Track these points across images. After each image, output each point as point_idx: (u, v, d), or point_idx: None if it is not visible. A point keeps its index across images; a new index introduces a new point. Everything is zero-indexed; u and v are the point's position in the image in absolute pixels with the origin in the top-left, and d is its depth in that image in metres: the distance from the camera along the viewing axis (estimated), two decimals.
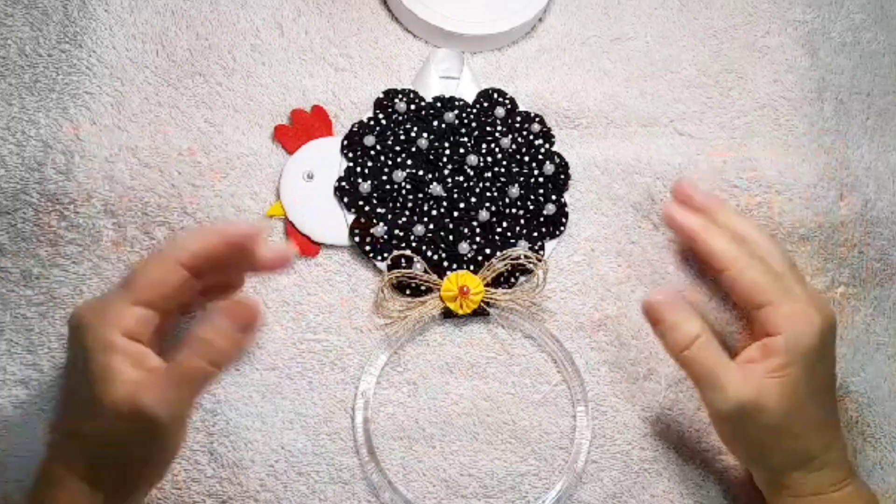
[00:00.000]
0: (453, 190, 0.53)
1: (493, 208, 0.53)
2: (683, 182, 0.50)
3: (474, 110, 0.55)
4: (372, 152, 0.54)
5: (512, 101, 0.56)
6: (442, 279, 0.52)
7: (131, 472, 0.42)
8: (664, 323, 0.45)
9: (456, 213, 0.53)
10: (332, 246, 0.53)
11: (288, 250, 0.45)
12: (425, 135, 0.54)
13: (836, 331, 0.47)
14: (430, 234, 0.53)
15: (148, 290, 0.41)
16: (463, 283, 0.51)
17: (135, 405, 0.39)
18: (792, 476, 0.46)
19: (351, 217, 0.53)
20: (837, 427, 0.47)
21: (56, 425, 0.46)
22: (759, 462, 0.47)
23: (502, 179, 0.54)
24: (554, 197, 0.54)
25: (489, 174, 0.54)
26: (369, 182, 0.53)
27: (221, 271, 0.45)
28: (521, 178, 0.54)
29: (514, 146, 0.55)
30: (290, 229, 0.53)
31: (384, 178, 0.53)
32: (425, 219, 0.53)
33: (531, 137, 0.55)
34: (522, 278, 0.53)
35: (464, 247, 0.52)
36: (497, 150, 0.54)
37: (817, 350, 0.45)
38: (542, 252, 0.53)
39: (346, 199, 0.53)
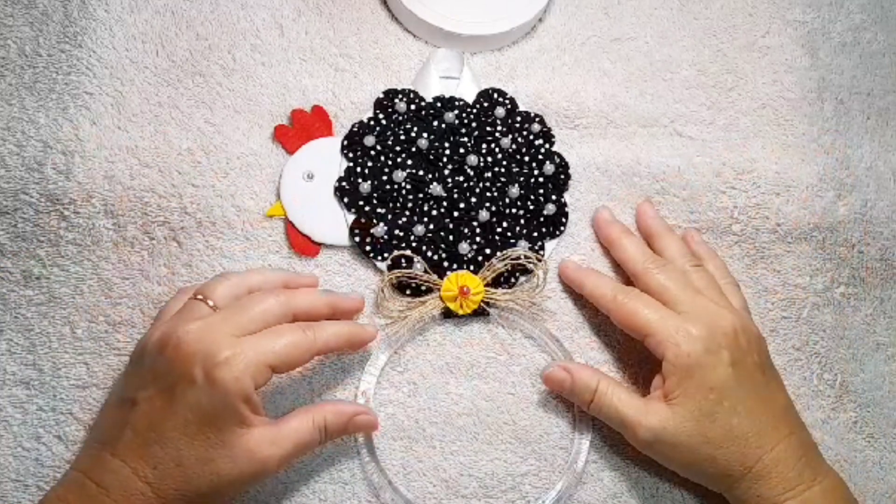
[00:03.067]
0: (453, 190, 0.53)
1: (493, 208, 0.53)
2: (645, 205, 0.55)
3: (474, 110, 0.55)
4: (372, 152, 0.54)
5: (512, 101, 0.56)
6: (442, 279, 0.52)
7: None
8: (567, 391, 0.49)
9: (456, 213, 0.53)
10: (332, 246, 0.53)
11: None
12: (425, 135, 0.54)
13: (734, 335, 0.47)
14: (430, 234, 0.52)
15: (284, 366, 0.44)
16: (463, 283, 0.51)
17: (262, 458, 0.42)
18: (739, 488, 0.46)
19: (351, 217, 0.53)
20: (779, 429, 0.46)
21: (132, 452, 0.43)
22: (702, 481, 0.48)
23: (502, 179, 0.54)
24: (554, 197, 0.54)
25: (489, 174, 0.54)
26: (369, 182, 0.53)
27: None
28: (521, 178, 0.54)
29: (514, 146, 0.55)
30: (290, 229, 0.53)
31: (384, 178, 0.53)
32: (425, 219, 0.53)
33: (531, 137, 0.55)
34: (522, 278, 0.53)
35: (464, 247, 0.52)
36: (497, 150, 0.54)
37: (704, 363, 0.45)
38: (542, 252, 0.53)
39: (346, 199, 0.53)
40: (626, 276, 0.52)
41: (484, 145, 0.55)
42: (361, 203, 0.53)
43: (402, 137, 0.54)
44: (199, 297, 0.45)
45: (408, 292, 0.52)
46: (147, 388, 0.43)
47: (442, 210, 0.53)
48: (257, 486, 0.48)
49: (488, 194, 0.54)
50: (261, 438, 0.42)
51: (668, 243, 0.52)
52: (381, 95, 0.55)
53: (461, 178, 0.54)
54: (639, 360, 0.52)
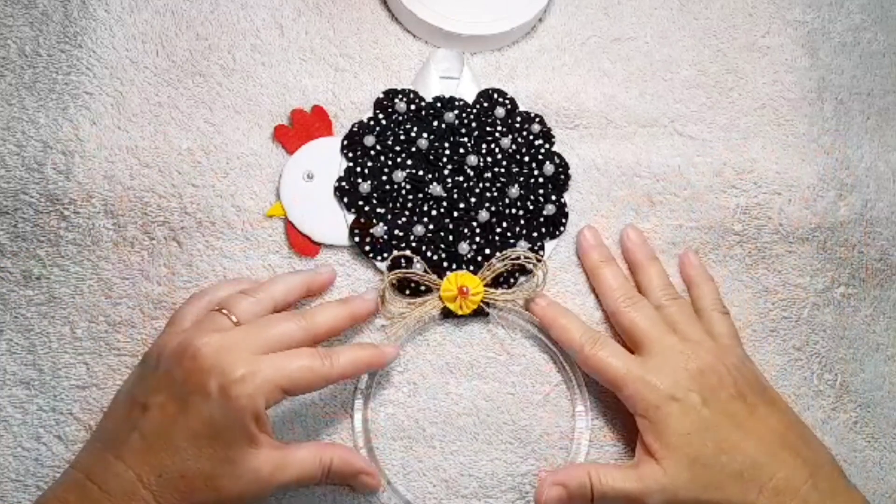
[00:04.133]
0: (453, 190, 0.53)
1: (493, 208, 0.53)
2: (630, 230, 0.54)
3: (474, 110, 0.55)
4: (372, 152, 0.54)
5: (512, 101, 0.56)
6: (442, 279, 0.52)
7: None
8: (568, 501, 0.46)
9: (456, 214, 0.53)
10: (332, 246, 0.53)
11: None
12: (425, 135, 0.54)
13: (700, 375, 0.46)
14: (430, 235, 0.52)
15: (297, 390, 0.44)
16: (462, 284, 0.51)
17: (265, 480, 0.42)
18: None
19: (351, 217, 0.53)
20: (777, 456, 0.45)
21: (138, 457, 0.42)
22: None
23: (502, 180, 0.54)
24: (554, 197, 0.54)
25: (489, 174, 0.54)
26: (369, 182, 0.53)
27: None
28: (521, 179, 0.54)
29: (514, 146, 0.55)
30: (290, 229, 0.53)
31: (384, 178, 0.53)
32: (425, 219, 0.53)
33: (531, 138, 0.55)
34: (522, 278, 0.53)
35: (464, 247, 0.52)
36: (497, 150, 0.54)
37: (674, 412, 0.45)
38: (542, 252, 0.53)
39: (346, 199, 0.53)
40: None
41: (484, 145, 0.55)
42: (361, 203, 0.53)
43: (402, 137, 0.54)
44: (224, 311, 0.45)
45: (407, 292, 0.52)
46: (160, 394, 0.43)
47: (442, 210, 0.53)
48: None
49: (488, 194, 0.54)
50: (267, 461, 0.42)
51: (647, 275, 0.52)
52: (381, 95, 0.55)
53: (461, 179, 0.54)
54: None
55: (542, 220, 0.54)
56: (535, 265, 0.52)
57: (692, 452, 0.45)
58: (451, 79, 0.57)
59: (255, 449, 0.42)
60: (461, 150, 0.54)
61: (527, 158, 0.55)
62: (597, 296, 0.53)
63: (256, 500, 0.43)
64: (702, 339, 0.49)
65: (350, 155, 0.54)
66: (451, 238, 0.52)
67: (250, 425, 0.42)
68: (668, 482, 0.45)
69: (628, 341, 0.50)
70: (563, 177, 0.55)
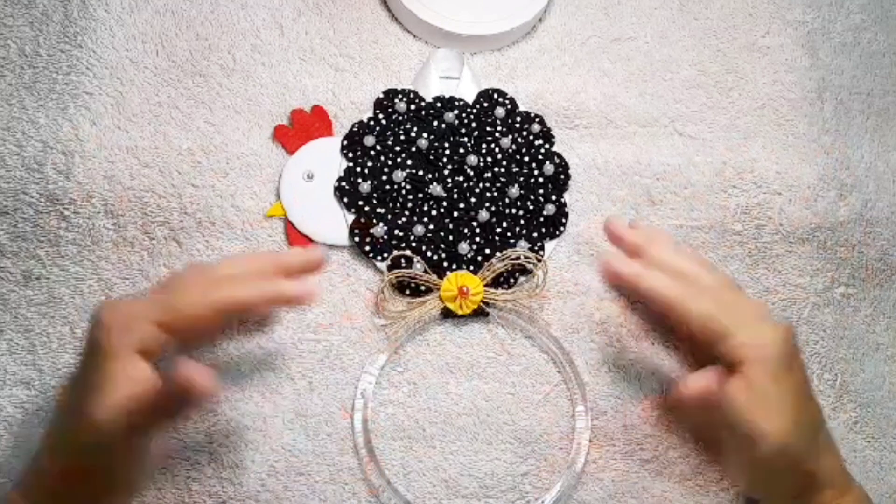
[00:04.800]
0: (453, 190, 0.53)
1: (493, 208, 0.53)
2: (611, 223, 0.49)
3: (474, 110, 0.55)
4: (372, 152, 0.54)
5: (512, 101, 0.56)
6: (442, 279, 0.52)
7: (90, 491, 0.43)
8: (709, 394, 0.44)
9: (456, 214, 0.53)
10: (332, 246, 0.53)
11: (310, 287, 0.45)
12: (425, 135, 0.54)
13: (794, 334, 0.45)
14: (430, 235, 0.52)
15: (178, 321, 0.42)
16: (463, 284, 0.51)
17: (98, 420, 0.40)
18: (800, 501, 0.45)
19: (351, 217, 0.53)
20: (823, 434, 0.46)
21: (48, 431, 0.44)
22: (778, 494, 0.46)
23: (502, 179, 0.54)
24: (554, 197, 0.54)
25: (489, 174, 0.54)
26: (369, 182, 0.53)
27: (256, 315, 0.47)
28: (521, 179, 0.54)
29: (514, 146, 0.55)
30: (290, 229, 0.53)
31: (384, 178, 0.53)
32: (425, 219, 0.53)
33: (531, 138, 0.55)
34: (522, 278, 0.53)
35: (464, 247, 0.52)
36: (497, 150, 0.54)
37: (785, 364, 0.44)
38: (542, 252, 0.53)
39: (346, 199, 0.53)
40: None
41: (484, 145, 0.55)
42: (361, 203, 0.53)
43: (402, 137, 0.54)
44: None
45: (407, 292, 0.52)
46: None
47: (442, 210, 0.53)
48: (256, 487, 0.48)
49: (488, 194, 0.54)
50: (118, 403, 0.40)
51: (664, 247, 0.48)
52: (381, 95, 0.55)
53: (461, 179, 0.54)
54: (638, 360, 0.52)
55: (542, 220, 0.54)
56: (535, 265, 0.52)
57: (797, 400, 0.44)
58: (451, 79, 0.57)
59: (108, 389, 0.40)
60: (461, 150, 0.54)
61: (527, 158, 0.55)
62: (597, 295, 0.53)
63: (99, 434, 0.40)
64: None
65: (350, 155, 0.54)
66: (451, 238, 0.52)
67: (109, 364, 0.40)
68: (792, 435, 0.43)
69: (707, 330, 0.45)
70: (563, 177, 0.55)
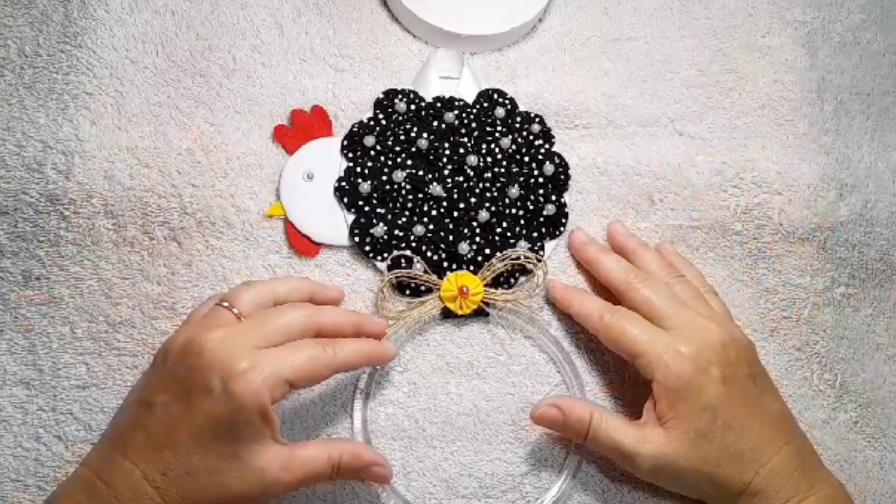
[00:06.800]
0: (453, 190, 0.53)
1: (493, 208, 0.53)
2: (615, 226, 0.54)
3: (474, 110, 0.55)
4: (372, 152, 0.54)
5: (512, 101, 0.56)
6: (442, 279, 0.52)
7: None
8: (561, 427, 0.48)
9: (456, 214, 0.53)
10: (332, 246, 0.53)
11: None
12: (425, 135, 0.54)
13: (723, 349, 0.46)
14: (430, 235, 0.52)
15: (302, 382, 0.43)
16: (462, 284, 0.51)
17: (271, 480, 0.42)
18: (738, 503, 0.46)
19: (351, 217, 0.53)
20: (775, 441, 0.46)
21: (143, 455, 0.42)
22: (701, 497, 0.48)
23: (502, 180, 0.54)
24: (554, 197, 0.54)
25: (489, 174, 0.54)
26: (369, 182, 0.53)
27: None
28: (521, 179, 0.54)
29: (514, 146, 0.55)
30: (290, 229, 0.53)
31: (384, 178, 0.53)
32: (425, 219, 0.53)
33: (531, 138, 0.55)
34: (522, 278, 0.53)
35: (464, 247, 0.52)
36: (497, 150, 0.54)
37: (695, 383, 0.45)
38: (542, 252, 0.53)
39: (346, 199, 0.53)
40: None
41: (484, 145, 0.55)
42: (361, 203, 0.53)
43: (402, 137, 0.54)
44: (225, 304, 0.45)
45: (407, 292, 0.52)
46: (165, 393, 0.43)
47: (442, 210, 0.53)
48: None
49: (488, 194, 0.54)
50: (273, 459, 0.42)
51: (645, 258, 0.52)
52: (381, 95, 0.55)
53: (461, 179, 0.54)
54: None
55: (542, 220, 0.54)
56: (535, 265, 0.52)
57: (702, 426, 0.45)
58: (451, 79, 0.57)
59: (261, 446, 0.42)
60: (461, 150, 0.54)
61: (527, 158, 0.55)
62: (599, 293, 0.53)
63: (263, 499, 0.43)
64: (713, 315, 0.49)
65: (350, 155, 0.54)
66: (451, 238, 0.52)
67: (255, 421, 0.41)
68: (670, 450, 0.45)
69: (644, 317, 0.49)
70: (563, 177, 0.55)
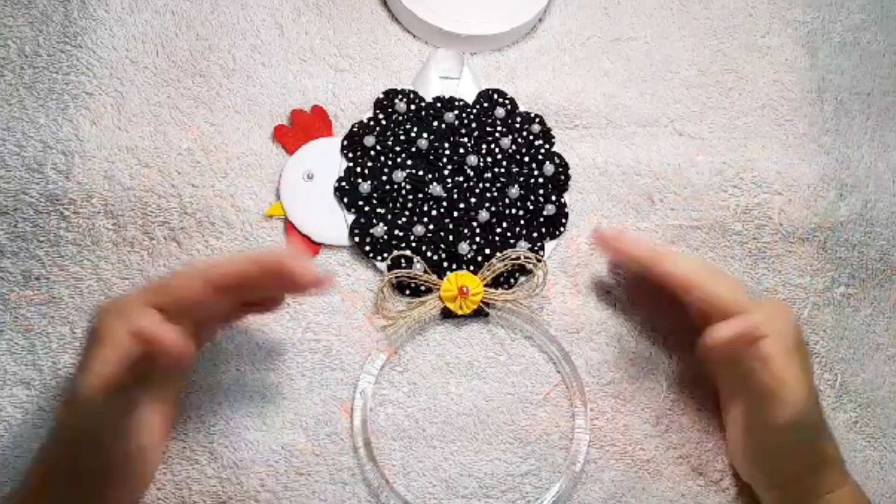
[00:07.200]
0: (453, 190, 0.53)
1: (493, 209, 0.53)
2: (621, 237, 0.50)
3: (474, 110, 0.55)
4: (372, 152, 0.54)
5: (512, 101, 0.56)
6: (442, 279, 0.52)
7: (89, 482, 0.42)
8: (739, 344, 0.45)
9: (456, 214, 0.53)
10: (332, 246, 0.53)
11: (326, 277, 0.43)
12: (425, 135, 0.54)
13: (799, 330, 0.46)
14: (430, 235, 0.52)
15: (165, 296, 0.41)
16: (462, 284, 0.51)
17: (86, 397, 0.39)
18: (805, 483, 0.46)
19: (351, 217, 0.53)
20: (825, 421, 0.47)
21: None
22: (784, 471, 0.47)
23: (502, 180, 0.54)
24: (554, 197, 0.54)
25: (489, 174, 0.54)
26: (369, 182, 0.53)
27: (259, 291, 0.45)
28: (521, 179, 0.54)
29: (514, 146, 0.55)
30: (290, 229, 0.53)
31: (384, 178, 0.53)
32: (425, 219, 0.53)
33: (531, 138, 0.55)
34: (522, 278, 0.53)
35: (464, 247, 0.52)
36: (497, 150, 0.54)
37: (797, 341, 0.45)
38: (542, 252, 0.53)
39: (346, 199, 0.53)
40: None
41: (484, 146, 0.55)
42: (361, 203, 0.53)
43: (402, 137, 0.54)
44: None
45: (407, 292, 0.52)
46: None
47: (442, 210, 0.53)
48: (256, 486, 0.48)
49: (488, 194, 0.54)
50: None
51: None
52: (381, 95, 0.55)
53: (461, 179, 0.54)
54: (638, 360, 0.52)
55: (542, 220, 0.54)
56: (535, 265, 0.52)
57: (812, 392, 0.45)
58: (451, 79, 0.57)
59: (93, 368, 0.40)
60: (461, 151, 0.54)
61: (527, 158, 0.55)
62: (597, 296, 0.53)
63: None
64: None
65: (350, 155, 0.54)
66: (451, 238, 0.52)
67: (97, 346, 0.40)
68: (810, 404, 0.44)
69: (727, 309, 0.45)
70: (563, 177, 0.55)
